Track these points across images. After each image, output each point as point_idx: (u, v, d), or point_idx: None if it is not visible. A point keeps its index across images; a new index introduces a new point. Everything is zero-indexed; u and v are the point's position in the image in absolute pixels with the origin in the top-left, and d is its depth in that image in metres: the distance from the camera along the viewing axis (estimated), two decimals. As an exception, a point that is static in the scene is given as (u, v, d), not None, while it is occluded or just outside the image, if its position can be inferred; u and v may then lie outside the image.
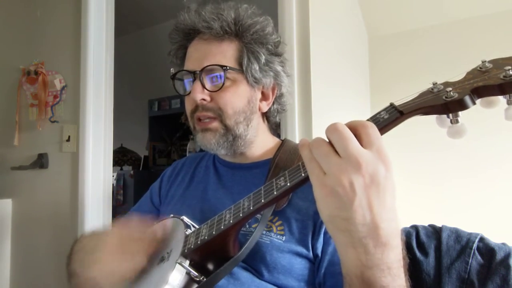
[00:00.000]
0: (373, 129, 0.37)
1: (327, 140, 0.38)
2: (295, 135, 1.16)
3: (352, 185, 0.34)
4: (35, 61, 1.53)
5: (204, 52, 0.67)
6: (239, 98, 0.67)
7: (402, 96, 0.43)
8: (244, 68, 0.66)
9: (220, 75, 0.65)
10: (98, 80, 1.41)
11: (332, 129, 0.37)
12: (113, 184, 2.03)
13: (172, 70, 0.73)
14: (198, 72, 0.65)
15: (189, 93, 0.67)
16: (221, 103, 0.66)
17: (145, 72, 3.28)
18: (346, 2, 1.88)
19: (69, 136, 1.43)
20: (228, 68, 0.65)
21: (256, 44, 0.68)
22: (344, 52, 1.78)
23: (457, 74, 0.42)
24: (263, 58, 0.68)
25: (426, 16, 2.10)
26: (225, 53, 0.67)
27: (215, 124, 0.67)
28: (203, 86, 0.65)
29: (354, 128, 0.37)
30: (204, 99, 0.66)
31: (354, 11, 2.05)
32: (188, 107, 0.70)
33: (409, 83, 2.02)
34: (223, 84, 0.65)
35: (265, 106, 0.73)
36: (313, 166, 0.37)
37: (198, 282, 0.49)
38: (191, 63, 0.68)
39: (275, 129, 0.82)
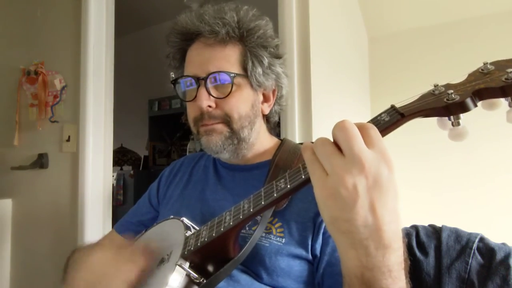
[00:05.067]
0: (374, 130, 0.37)
1: (331, 140, 0.37)
2: (295, 135, 1.16)
3: (355, 186, 0.34)
4: (35, 61, 1.53)
5: (207, 57, 0.65)
6: (244, 103, 0.67)
7: (402, 95, 0.42)
8: (248, 73, 0.66)
9: (227, 82, 0.64)
10: (98, 80, 1.41)
11: (340, 126, 0.36)
12: (113, 184, 2.02)
13: (173, 75, 0.70)
14: (202, 78, 0.64)
15: (193, 99, 0.65)
16: (227, 109, 0.65)
17: (145, 72, 3.28)
18: (346, 2, 1.88)
19: (69, 136, 1.43)
20: (235, 75, 0.64)
21: (259, 47, 0.67)
22: (344, 51, 1.78)
23: (457, 73, 0.41)
24: (266, 62, 0.67)
25: (426, 16, 2.10)
26: (229, 57, 0.65)
27: (220, 126, 0.66)
28: (209, 93, 0.64)
29: (358, 128, 0.37)
30: (210, 106, 0.65)
31: (354, 11, 2.04)
32: (191, 114, 0.68)
33: (409, 82, 2.02)
34: (231, 91, 0.64)
35: (266, 108, 0.73)
36: (314, 168, 0.37)
37: (198, 284, 0.48)
38: (194, 68, 0.66)
39: (274, 128, 0.81)
